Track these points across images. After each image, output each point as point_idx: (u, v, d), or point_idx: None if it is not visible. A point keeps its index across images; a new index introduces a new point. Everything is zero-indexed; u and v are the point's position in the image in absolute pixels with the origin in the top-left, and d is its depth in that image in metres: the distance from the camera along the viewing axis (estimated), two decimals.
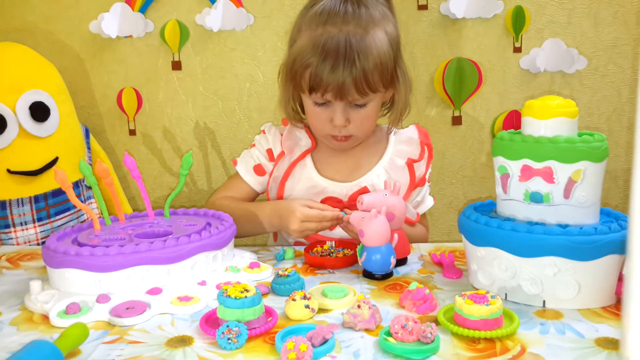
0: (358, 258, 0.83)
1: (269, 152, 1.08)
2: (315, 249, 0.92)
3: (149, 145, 1.47)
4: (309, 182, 1.04)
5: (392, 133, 1.08)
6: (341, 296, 0.73)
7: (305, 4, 1.00)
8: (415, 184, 1.05)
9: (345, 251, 0.90)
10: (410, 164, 1.05)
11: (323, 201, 1.02)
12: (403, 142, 1.07)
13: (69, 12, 1.40)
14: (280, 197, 1.05)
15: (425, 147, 1.06)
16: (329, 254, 0.90)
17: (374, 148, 1.07)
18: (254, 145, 1.11)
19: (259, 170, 1.09)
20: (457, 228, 0.80)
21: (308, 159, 1.06)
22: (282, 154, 1.06)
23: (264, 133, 1.10)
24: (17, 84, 1.11)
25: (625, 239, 0.50)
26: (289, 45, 1.01)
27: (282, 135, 1.08)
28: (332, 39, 0.91)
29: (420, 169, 1.06)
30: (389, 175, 1.03)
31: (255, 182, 1.09)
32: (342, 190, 1.03)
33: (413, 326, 0.60)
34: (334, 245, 0.93)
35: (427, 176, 1.08)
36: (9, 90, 1.10)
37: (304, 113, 1.05)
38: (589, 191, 0.71)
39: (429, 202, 1.12)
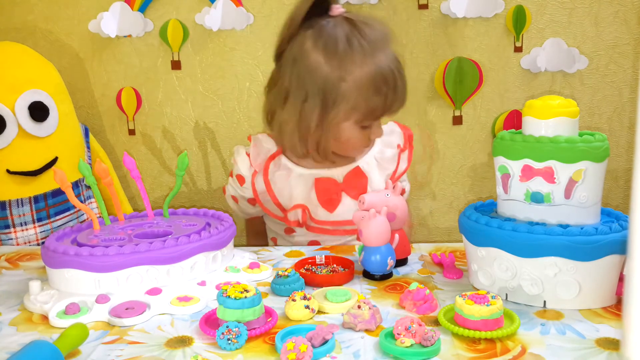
0: (358, 256, 0.83)
1: (239, 177, 1.09)
2: (306, 266, 0.86)
3: (149, 145, 1.47)
4: (302, 180, 1.04)
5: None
6: (344, 300, 0.72)
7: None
8: (395, 177, 1.08)
9: (337, 267, 0.85)
10: (399, 153, 1.09)
11: (317, 181, 1.03)
12: (386, 133, 1.08)
13: (68, 12, 1.40)
14: (277, 203, 1.05)
15: (407, 136, 1.11)
16: (319, 271, 0.84)
17: None
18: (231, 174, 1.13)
19: (237, 199, 1.12)
20: (457, 228, 0.80)
21: (286, 162, 1.05)
22: (255, 173, 1.07)
23: (234, 161, 1.10)
24: (16, 84, 1.11)
25: (626, 239, 0.50)
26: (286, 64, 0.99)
27: (249, 155, 1.07)
28: (382, 68, 0.94)
29: (404, 160, 1.10)
30: (379, 164, 1.06)
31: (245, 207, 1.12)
32: (334, 173, 1.05)
33: (417, 329, 0.60)
34: (323, 261, 0.87)
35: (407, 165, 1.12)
36: (8, 90, 1.10)
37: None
38: (590, 191, 0.70)
39: (406, 187, 1.16)
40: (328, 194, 1.04)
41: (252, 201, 1.09)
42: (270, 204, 1.06)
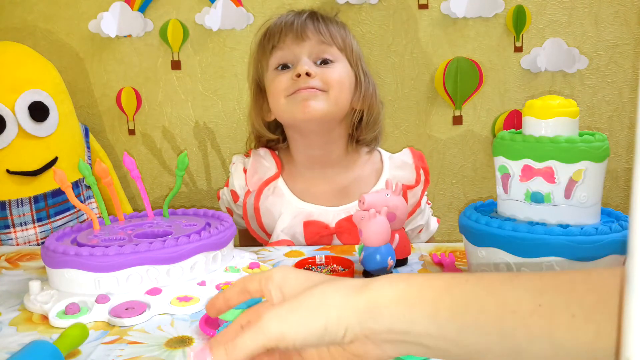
0: (358, 256, 0.83)
1: (233, 193, 1.07)
2: (306, 266, 0.87)
3: (149, 145, 1.47)
4: (292, 211, 1.02)
5: (388, 157, 1.06)
6: None
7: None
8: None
9: (337, 267, 0.86)
10: (404, 192, 1.01)
11: (306, 224, 1.00)
12: (397, 167, 1.05)
13: (68, 12, 1.40)
14: (263, 229, 1.03)
15: (421, 170, 1.04)
16: (319, 271, 0.84)
17: (362, 173, 1.05)
18: (227, 184, 1.10)
19: (231, 212, 1.09)
20: (457, 228, 0.80)
21: (282, 186, 1.04)
22: (248, 193, 1.04)
23: (230, 172, 1.09)
24: (16, 84, 1.11)
25: (626, 239, 0.49)
26: (248, 72, 1.09)
27: (245, 172, 1.05)
28: (288, 14, 1.02)
29: (415, 196, 1.04)
30: None
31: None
32: (328, 215, 1.01)
33: None
34: (322, 261, 0.88)
35: (422, 201, 1.05)
36: (8, 90, 1.10)
37: (270, 130, 1.06)
38: (590, 191, 0.70)
39: (433, 225, 1.10)
40: (317, 237, 1.00)
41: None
42: (257, 226, 1.05)
